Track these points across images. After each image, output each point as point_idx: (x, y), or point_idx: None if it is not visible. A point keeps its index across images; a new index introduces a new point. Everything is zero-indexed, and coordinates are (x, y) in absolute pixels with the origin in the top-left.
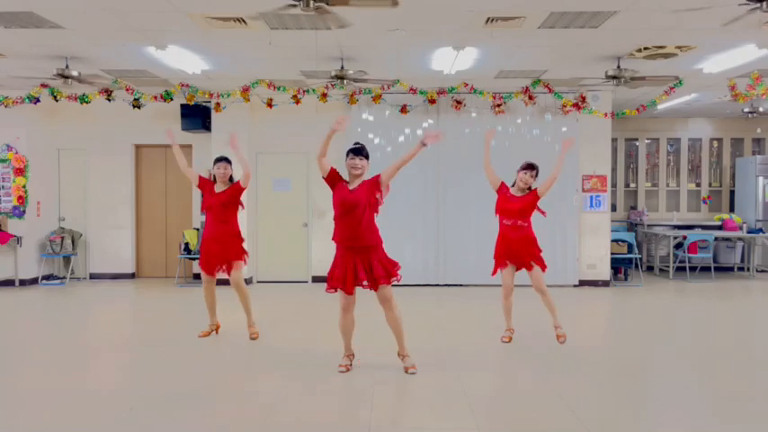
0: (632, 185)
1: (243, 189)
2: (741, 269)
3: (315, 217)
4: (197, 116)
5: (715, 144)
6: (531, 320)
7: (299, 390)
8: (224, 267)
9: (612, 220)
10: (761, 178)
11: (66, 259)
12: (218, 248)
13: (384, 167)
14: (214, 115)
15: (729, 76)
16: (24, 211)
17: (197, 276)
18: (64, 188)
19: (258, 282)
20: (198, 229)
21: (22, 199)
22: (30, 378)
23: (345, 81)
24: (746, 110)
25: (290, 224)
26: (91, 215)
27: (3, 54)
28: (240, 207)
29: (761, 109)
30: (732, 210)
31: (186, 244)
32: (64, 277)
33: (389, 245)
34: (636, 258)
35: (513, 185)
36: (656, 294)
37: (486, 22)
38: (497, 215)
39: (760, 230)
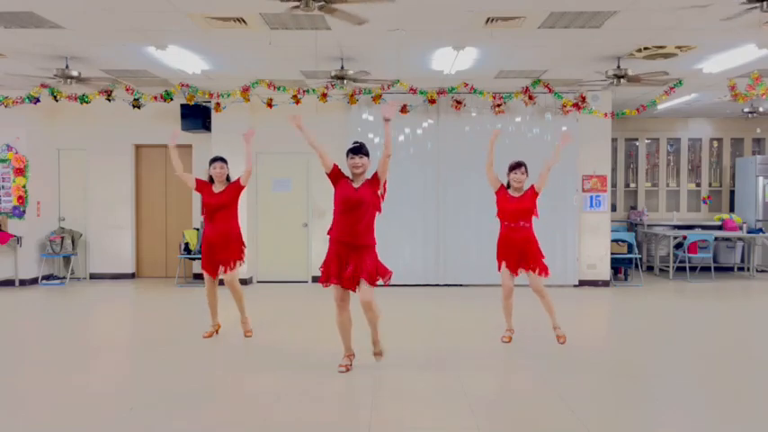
0: (632, 185)
1: (242, 188)
2: (741, 269)
3: (315, 217)
4: (197, 116)
5: (715, 144)
6: (531, 321)
7: (299, 390)
8: (224, 267)
9: (612, 220)
10: (761, 178)
11: (67, 259)
12: (220, 249)
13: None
14: (214, 115)
15: (729, 76)
16: (24, 211)
17: (197, 276)
18: (64, 188)
19: (258, 282)
20: (198, 229)
21: (22, 199)
22: (30, 378)
23: (345, 81)
24: (746, 110)
25: (290, 224)
26: (91, 215)
27: (3, 54)
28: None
29: (761, 109)
30: (732, 210)
31: (186, 244)
32: (64, 277)
33: (389, 245)
34: (636, 258)
35: (508, 187)
36: (656, 294)
37: (486, 22)
38: (499, 217)
39: (760, 230)
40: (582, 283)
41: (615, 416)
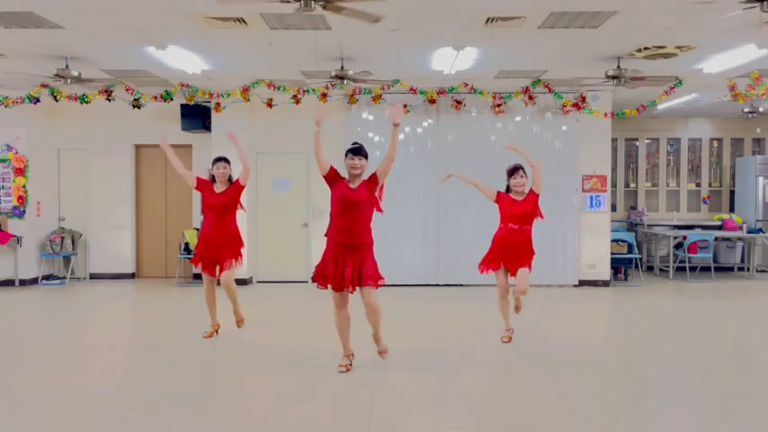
0: (632, 185)
1: (243, 187)
2: (741, 269)
3: (315, 217)
4: (197, 116)
5: (715, 144)
6: (532, 320)
7: (299, 390)
8: (221, 267)
9: (612, 220)
10: (761, 178)
11: (67, 259)
12: (218, 248)
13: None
14: (214, 115)
15: (729, 76)
16: (24, 211)
17: (197, 276)
18: (64, 188)
19: (258, 282)
20: (198, 229)
21: (22, 199)
22: (30, 378)
23: (345, 81)
24: (746, 110)
25: (290, 224)
26: (91, 215)
27: (3, 54)
28: (241, 209)
29: (761, 109)
30: (732, 210)
31: (186, 244)
32: (64, 277)
33: (389, 245)
34: (636, 258)
35: (508, 191)
36: (656, 294)
37: (486, 22)
38: (501, 219)
39: (760, 230)
40: (582, 283)
41: (615, 416)
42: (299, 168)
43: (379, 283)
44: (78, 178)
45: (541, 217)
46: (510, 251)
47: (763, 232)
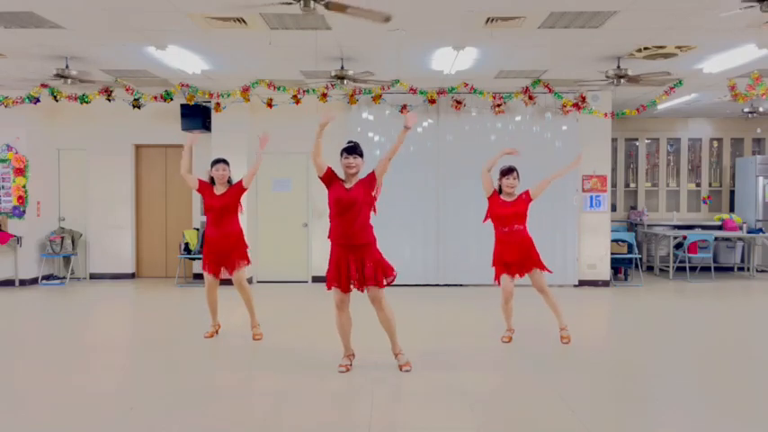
0: (632, 185)
1: (244, 190)
2: (741, 269)
3: (315, 217)
4: (197, 116)
5: (715, 144)
6: (532, 320)
7: (299, 390)
8: (227, 268)
9: (612, 220)
10: (761, 178)
11: (66, 259)
12: (222, 250)
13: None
14: (214, 115)
15: (729, 76)
16: (24, 211)
17: (197, 276)
18: (64, 188)
19: (258, 282)
20: (198, 229)
21: (22, 199)
22: (30, 378)
23: (345, 81)
24: (746, 110)
25: (290, 224)
26: (91, 215)
27: (3, 54)
28: (240, 210)
29: (761, 109)
30: (732, 210)
31: (186, 244)
32: (64, 277)
33: (389, 245)
34: (636, 258)
35: (500, 192)
36: (656, 294)
37: (486, 22)
38: (492, 222)
39: (760, 230)
40: (582, 283)
41: (615, 416)
42: (299, 168)
43: (385, 282)
44: (78, 178)
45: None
46: (512, 254)
47: (763, 232)
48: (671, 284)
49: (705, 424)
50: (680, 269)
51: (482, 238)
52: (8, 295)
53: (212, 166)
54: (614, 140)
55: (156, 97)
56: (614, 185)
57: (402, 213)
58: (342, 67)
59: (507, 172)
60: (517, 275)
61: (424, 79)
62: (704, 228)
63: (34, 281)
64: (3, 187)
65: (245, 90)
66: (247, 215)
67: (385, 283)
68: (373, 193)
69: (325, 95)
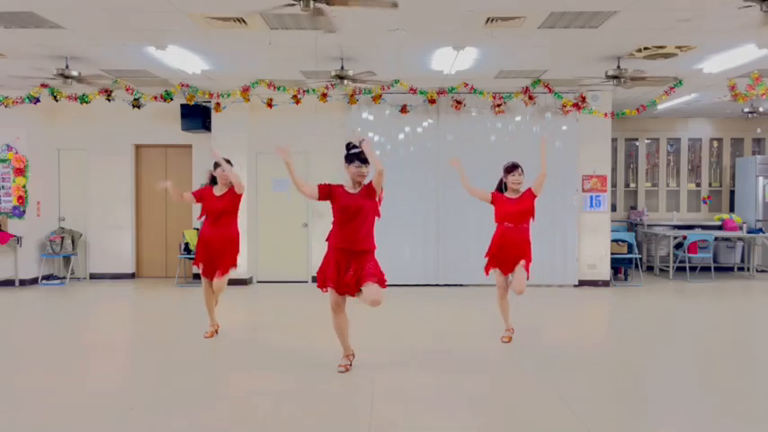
0: (632, 185)
1: (239, 196)
2: (741, 269)
3: (315, 217)
4: (197, 116)
5: (715, 144)
6: (531, 320)
7: (299, 390)
8: (216, 268)
9: (612, 220)
10: (761, 178)
11: (66, 259)
12: (215, 250)
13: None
14: (214, 115)
15: (729, 76)
16: (24, 211)
17: (197, 276)
18: (64, 188)
19: (258, 282)
20: (198, 230)
21: (22, 199)
22: (30, 378)
23: (345, 81)
24: (746, 110)
25: (290, 224)
26: (91, 215)
27: (3, 54)
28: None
29: (761, 109)
30: (732, 210)
31: (186, 244)
32: (64, 277)
33: (389, 245)
34: (636, 258)
35: (504, 190)
36: (656, 294)
37: (486, 22)
38: (498, 220)
39: (760, 230)
40: (582, 283)
41: (615, 416)
42: (300, 168)
43: (384, 283)
44: (78, 178)
45: (533, 216)
46: (507, 250)
47: (763, 232)
48: (671, 284)
49: (705, 424)
50: (680, 269)
51: (482, 238)
52: (8, 295)
53: (216, 166)
54: (614, 140)
55: (156, 97)
56: (614, 185)
57: (402, 213)
58: (342, 67)
59: (512, 168)
60: (510, 275)
61: (424, 79)
62: (704, 228)
63: (34, 281)
64: (3, 187)
65: (245, 90)
66: (247, 215)
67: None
68: (376, 198)
69: (325, 95)
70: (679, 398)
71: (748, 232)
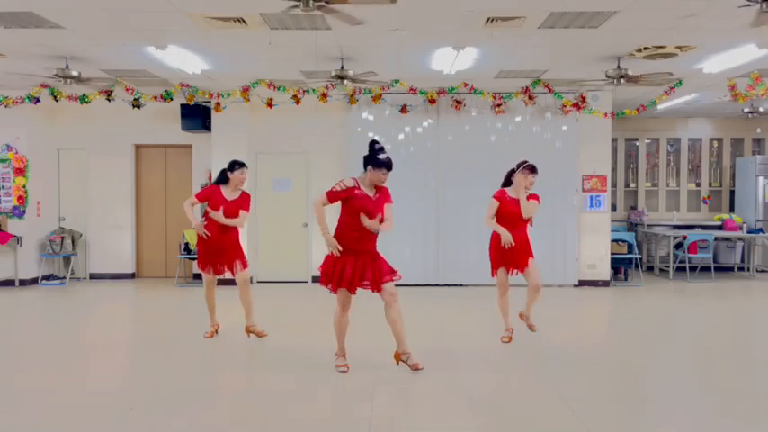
0: (632, 185)
1: (249, 203)
2: (741, 269)
3: (314, 217)
4: (197, 116)
5: (715, 144)
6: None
7: (299, 390)
8: (227, 268)
9: (612, 220)
10: (761, 178)
11: (66, 259)
12: (220, 250)
13: None
14: (214, 115)
15: (729, 76)
16: (24, 211)
17: (197, 276)
18: (64, 188)
19: (258, 282)
20: None
21: (22, 199)
22: (30, 378)
23: (345, 81)
24: (746, 110)
25: (290, 224)
26: (91, 215)
27: (3, 54)
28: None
29: (761, 109)
30: (732, 210)
31: (186, 244)
32: (64, 277)
33: (389, 245)
34: (636, 258)
35: (508, 186)
36: (656, 294)
37: (486, 22)
38: (503, 221)
39: (760, 230)
40: (582, 283)
41: (615, 416)
42: (299, 168)
43: (394, 277)
44: (78, 178)
45: (531, 223)
46: (513, 249)
47: (763, 232)
48: (671, 284)
49: (705, 424)
50: (680, 269)
51: (482, 238)
52: (8, 295)
53: (236, 168)
54: (614, 140)
55: (156, 97)
56: (614, 185)
57: (402, 213)
58: (342, 67)
59: (534, 170)
60: (515, 272)
61: (424, 79)
62: (704, 228)
63: (34, 281)
64: (3, 187)
65: (245, 90)
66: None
67: (396, 278)
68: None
69: (325, 95)
70: (679, 398)
71: (748, 232)
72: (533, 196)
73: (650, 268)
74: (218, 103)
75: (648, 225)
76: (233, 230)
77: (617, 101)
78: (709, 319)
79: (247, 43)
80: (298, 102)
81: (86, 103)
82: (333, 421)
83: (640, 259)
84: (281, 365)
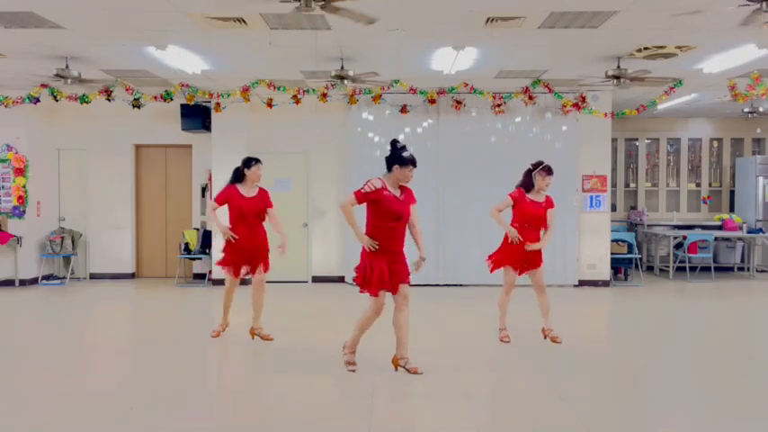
0: (632, 185)
1: (269, 197)
2: (741, 269)
3: (315, 217)
4: (197, 116)
5: (715, 144)
6: (532, 320)
7: (300, 390)
8: (251, 269)
9: (612, 220)
10: (761, 178)
11: (66, 259)
12: (251, 250)
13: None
14: (214, 115)
15: (729, 76)
16: (24, 211)
17: (197, 276)
18: (64, 188)
19: None
20: (198, 229)
21: (22, 199)
22: (30, 378)
23: (345, 81)
24: (746, 110)
25: (290, 224)
26: (91, 215)
27: (3, 54)
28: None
29: (761, 109)
30: (732, 210)
31: (186, 244)
32: (64, 277)
33: None
34: (636, 258)
35: (525, 188)
36: (656, 294)
37: (486, 22)
38: (520, 222)
39: (760, 230)
40: (582, 283)
41: (615, 416)
42: (299, 168)
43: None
44: (78, 178)
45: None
46: (522, 251)
47: (763, 232)
48: (671, 284)
49: (705, 424)
50: (680, 269)
51: (482, 237)
52: (8, 295)
53: (251, 164)
54: (614, 140)
55: (156, 97)
56: (614, 185)
57: None
58: (342, 67)
59: (551, 171)
60: (520, 273)
61: (424, 79)
62: (704, 228)
63: (34, 281)
64: (3, 187)
65: (245, 90)
66: None
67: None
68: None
69: (325, 95)
70: (679, 398)
71: (748, 232)
72: (550, 200)
73: (650, 268)
74: (218, 103)
75: (648, 225)
76: (261, 232)
77: (617, 101)
78: (709, 319)
79: (247, 43)
80: (298, 102)
81: (86, 103)
82: (333, 421)
83: (640, 259)
84: (282, 365)
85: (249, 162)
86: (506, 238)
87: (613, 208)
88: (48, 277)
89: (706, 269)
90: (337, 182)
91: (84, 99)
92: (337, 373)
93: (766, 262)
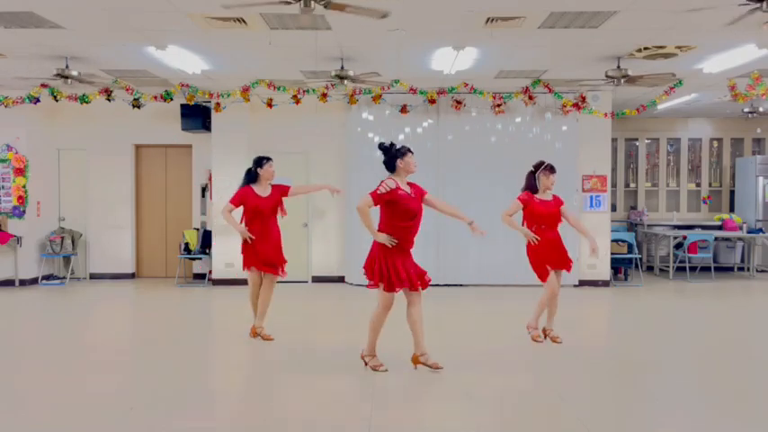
0: (632, 185)
1: (286, 195)
2: (741, 269)
3: (315, 217)
4: (197, 116)
5: (715, 144)
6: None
7: (300, 389)
8: (269, 268)
9: (612, 220)
10: (761, 178)
11: (66, 259)
12: (272, 251)
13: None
14: (214, 115)
15: (729, 76)
16: (24, 211)
17: (197, 276)
18: (64, 188)
19: None
20: (198, 229)
21: (22, 199)
22: (30, 378)
23: (345, 81)
24: (746, 110)
25: (290, 224)
26: (91, 215)
27: (3, 54)
28: (282, 213)
29: (761, 109)
30: (732, 210)
31: (186, 244)
32: (64, 277)
33: None
34: (636, 258)
35: (532, 190)
36: (656, 294)
37: (486, 22)
38: (536, 222)
39: (760, 230)
40: (582, 283)
41: (615, 416)
42: (299, 168)
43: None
44: (78, 178)
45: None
46: (555, 250)
47: (763, 232)
48: (671, 284)
49: (705, 424)
50: (680, 269)
51: (482, 238)
52: (8, 295)
53: (263, 163)
54: (614, 140)
55: (156, 97)
56: (614, 185)
57: None
58: (342, 67)
59: (553, 169)
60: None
61: (424, 79)
62: (704, 228)
63: (34, 281)
64: (3, 187)
65: (245, 90)
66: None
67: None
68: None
69: (325, 95)
70: (679, 398)
71: (748, 232)
72: (558, 199)
73: (650, 268)
74: (218, 103)
75: (648, 225)
76: (275, 230)
77: (617, 101)
78: (709, 319)
79: (247, 43)
80: (298, 102)
81: (86, 103)
82: (333, 421)
83: (640, 259)
84: (281, 365)
85: (261, 161)
86: (528, 244)
87: (613, 208)
88: (48, 277)
89: (706, 269)
90: (337, 182)
91: (84, 99)
92: (337, 373)
93: (766, 262)
